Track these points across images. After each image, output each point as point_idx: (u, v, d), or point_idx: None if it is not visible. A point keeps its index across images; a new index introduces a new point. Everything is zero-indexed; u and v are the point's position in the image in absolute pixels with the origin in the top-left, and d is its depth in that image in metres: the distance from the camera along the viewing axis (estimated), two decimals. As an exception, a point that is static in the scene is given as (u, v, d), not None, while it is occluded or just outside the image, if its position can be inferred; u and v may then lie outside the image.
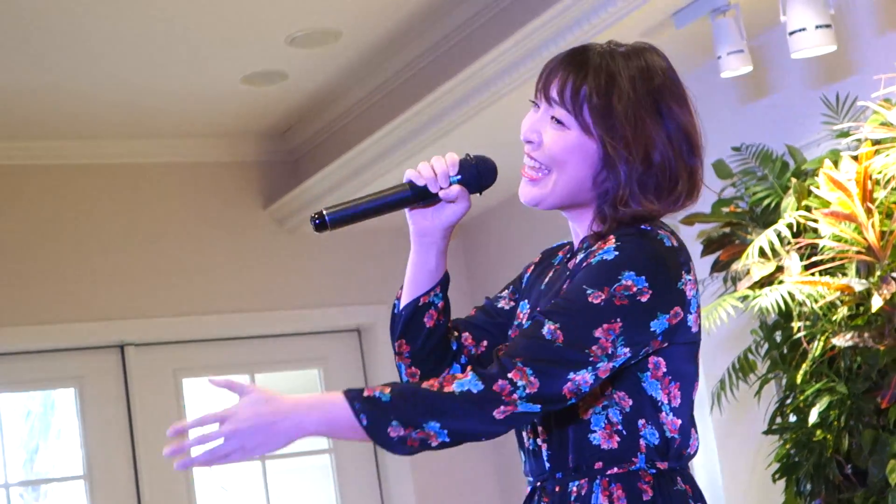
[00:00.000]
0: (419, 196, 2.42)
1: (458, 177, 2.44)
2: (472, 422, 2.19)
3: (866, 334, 4.20)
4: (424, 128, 6.01)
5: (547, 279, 2.49)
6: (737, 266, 4.64)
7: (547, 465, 2.36)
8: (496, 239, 7.21)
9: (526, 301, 2.52)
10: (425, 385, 2.21)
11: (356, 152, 6.44)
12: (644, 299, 2.24)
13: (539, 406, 2.20)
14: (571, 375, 2.20)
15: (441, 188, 2.43)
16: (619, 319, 2.23)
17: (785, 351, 4.65)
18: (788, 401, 4.61)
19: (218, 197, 7.11)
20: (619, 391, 2.31)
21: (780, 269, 4.50)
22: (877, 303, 4.07)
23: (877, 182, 4.21)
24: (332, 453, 7.22)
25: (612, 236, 2.31)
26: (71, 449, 6.75)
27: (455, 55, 5.86)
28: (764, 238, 4.45)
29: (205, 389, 7.15)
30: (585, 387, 2.22)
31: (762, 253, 4.50)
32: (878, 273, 4.13)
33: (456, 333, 2.57)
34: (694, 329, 2.34)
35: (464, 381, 2.19)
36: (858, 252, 4.18)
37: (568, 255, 2.49)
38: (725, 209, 4.90)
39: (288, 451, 7.19)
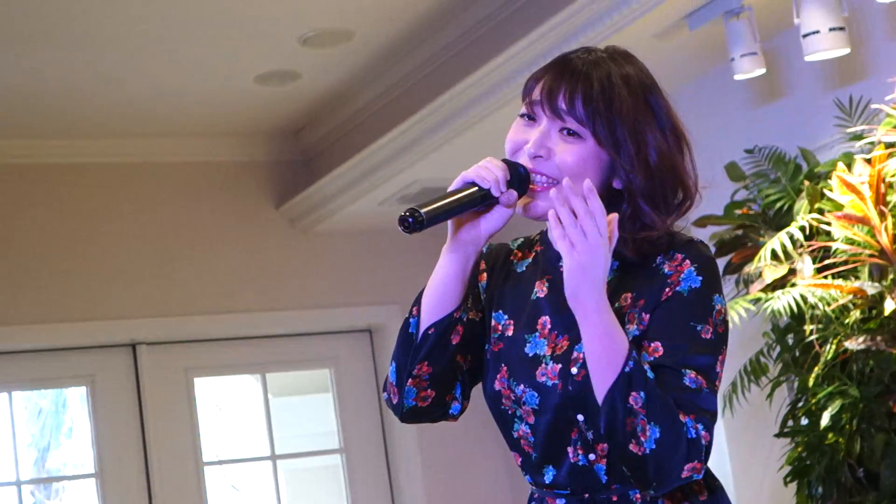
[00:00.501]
0: (486, 199, 2.35)
1: (510, 184, 2.37)
2: (673, 463, 2.22)
3: (879, 338, 4.19)
4: (437, 128, 6.00)
5: (539, 292, 2.44)
6: (749, 268, 4.64)
7: (604, 478, 2.35)
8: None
9: (501, 312, 2.48)
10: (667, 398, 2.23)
11: (369, 152, 6.44)
12: (727, 317, 2.33)
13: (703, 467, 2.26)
14: (712, 410, 2.27)
15: (501, 192, 2.36)
16: (724, 347, 2.31)
17: (797, 354, 4.64)
18: (800, 404, 4.60)
19: (230, 196, 7.12)
20: None
21: (792, 271, 4.50)
22: (889, 306, 4.06)
23: (890, 185, 4.20)
24: (342, 453, 7.22)
25: (679, 255, 2.33)
26: (82, 447, 6.76)
27: (468, 55, 5.85)
28: (776, 241, 4.44)
29: (215, 389, 7.15)
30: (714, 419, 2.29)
31: (774, 255, 4.49)
32: (890, 276, 4.12)
33: None
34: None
35: (688, 422, 2.22)
36: (871, 255, 4.17)
37: (560, 264, 2.39)
38: (738, 211, 4.89)
39: (298, 451, 7.20)
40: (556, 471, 2.40)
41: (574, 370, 2.32)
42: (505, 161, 2.41)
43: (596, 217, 2.20)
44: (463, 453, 7.19)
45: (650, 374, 2.22)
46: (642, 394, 2.20)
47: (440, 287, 2.43)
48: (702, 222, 4.98)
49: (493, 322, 2.48)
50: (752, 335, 5.14)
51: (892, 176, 4.17)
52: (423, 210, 2.30)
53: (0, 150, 6.61)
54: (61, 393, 6.93)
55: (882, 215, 4.14)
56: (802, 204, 4.58)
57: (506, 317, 2.47)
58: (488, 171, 2.35)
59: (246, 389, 7.25)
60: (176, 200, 6.99)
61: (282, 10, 5.55)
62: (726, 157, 5.23)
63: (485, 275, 2.53)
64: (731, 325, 4.51)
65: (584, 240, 2.20)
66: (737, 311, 4.55)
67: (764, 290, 4.53)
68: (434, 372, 2.44)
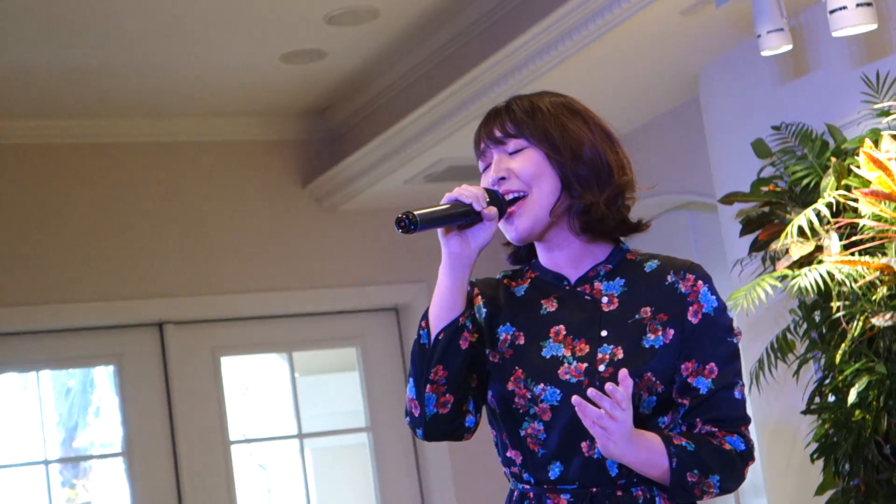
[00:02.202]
0: (470, 214, 2.59)
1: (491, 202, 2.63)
2: (738, 478, 2.61)
3: (906, 314, 4.18)
4: (463, 106, 6.00)
5: (550, 307, 2.68)
6: (776, 245, 4.62)
7: (614, 471, 2.59)
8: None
9: (510, 325, 2.69)
10: (710, 443, 2.58)
11: (395, 130, 6.44)
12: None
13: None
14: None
15: (482, 207, 2.60)
16: (741, 356, 2.68)
17: (824, 331, 4.63)
18: (827, 381, 4.59)
19: (257, 175, 7.13)
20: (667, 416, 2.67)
21: (819, 248, 4.48)
22: (917, 282, 4.05)
23: (917, 161, 4.19)
24: (369, 432, 7.24)
25: (690, 275, 2.66)
26: (110, 426, 6.79)
27: (493, 33, 5.84)
28: (803, 217, 4.43)
29: (242, 367, 7.17)
30: None
31: (801, 232, 4.48)
32: (918, 253, 4.11)
33: None
34: None
35: (735, 441, 2.62)
36: (898, 231, 4.16)
37: (565, 284, 2.70)
38: (765, 188, 4.88)
39: (325, 430, 7.21)
40: (565, 466, 2.60)
41: (601, 367, 2.58)
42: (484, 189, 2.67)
43: (621, 404, 2.46)
44: (488, 437, 7.19)
45: (689, 447, 2.55)
46: (695, 470, 2.55)
47: (443, 298, 2.64)
48: (728, 199, 4.97)
49: (501, 335, 2.69)
50: (779, 312, 5.13)
51: (920, 152, 4.16)
52: (418, 213, 2.58)
53: (30, 130, 6.64)
54: (89, 372, 6.96)
55: (909, 191, 4.12)
56: (829, 180, 4.56)
57: (514, 329, 2.69)
58: (468, 191, 2.60)
59: (273, 368, 7.27)
60: (202, 180, 7.00)
61: (307, -11, 5.55)
62: (753, 133, 5.21)
63: (480, 298, 2.75)
64: (757, 302, 4.52)
65: (615, 425, 2.46)
66: (763, 288, 4.54)
67: (791, 266, 4.51)
68: (450, 375, 2.61)
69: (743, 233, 4.93)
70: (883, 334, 4.37)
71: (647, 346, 2.59)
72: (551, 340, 2.62)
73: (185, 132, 6.97)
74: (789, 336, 4.82)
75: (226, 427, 6.90)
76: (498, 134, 2.69)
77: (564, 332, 2.62)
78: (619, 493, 2.57)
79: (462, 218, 2.59)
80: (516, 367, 2.63)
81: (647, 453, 2.51)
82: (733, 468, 2.58)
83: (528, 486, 2.63)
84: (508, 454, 2.67)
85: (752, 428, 5.99)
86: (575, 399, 2.47)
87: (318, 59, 6.36)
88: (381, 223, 7.25)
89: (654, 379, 2.58)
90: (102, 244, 6.71)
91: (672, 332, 2.61)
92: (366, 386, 7.24)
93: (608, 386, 2.45)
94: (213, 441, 6.86)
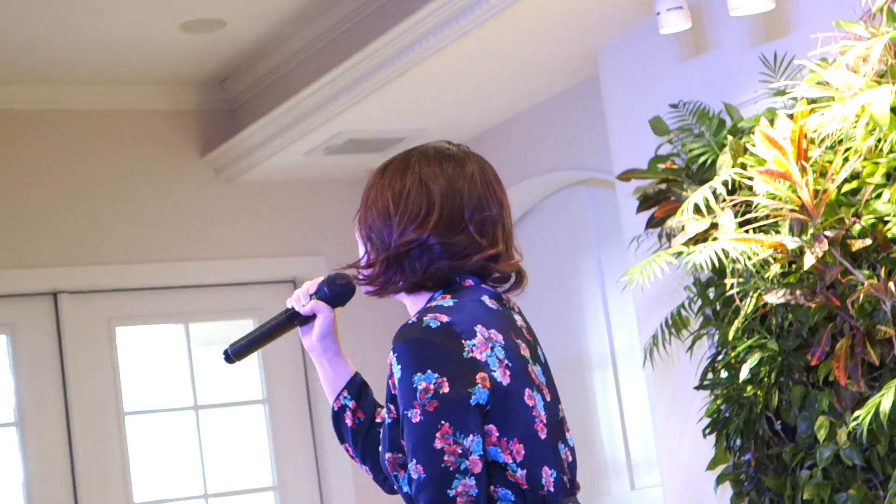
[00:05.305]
0: (292, 318, 2.77)
1: (317, 295, 2.76)
2: None
3: (798, 292, 4.24)
4: (363, 78, 5.98)
5: None
6: (672, 222, 4.66)
7: None
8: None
9: None
10: None
11: (294, 102, 6.40)
12: (446, 389, 2.39)
13: None
14: (451, 493, 2.37)
15: (302, 305, 2.73)
16: (442, 422, 2.38)
17: (718, 307, 4.68)
18: (720, 357, 4.64)
19: (155, 145, 7.06)
20: None
21: (714, 225, 4.53)
22: (809, 261, 4.10)
23: (812, 141, 4.23)
24: (265, 403, 7.22)
25: (391, 352, 2.46)
26: (2, 396, 6.70)
27: (395, 6, 5.83)
28: (699, 195, 4.47)
29: (138, 338, 7.12)
30: (474, 488, 2.38)
31: (697, 209, 4.51)
32: (810, 231, 4.16)
33: None
34: (506, 381, 2.46)
35: None
36: (792, 210, 4.20)
37: None
38: (662, 165, 4.92)
39: (221, 402, 7.18)
40: None
41: None
42: (328, 277, 2.75)
43: None
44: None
45: None
46: None
47: (323, 384, 2.80)
48: (626, 176, 5.00)
49: None
50: (674, 289, 5.18)
51: (814, 132, 4.20)
52: (231, 349, 2.82)
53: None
54: (-19, 341, 6.87)
55: (803, 171, 4.17)
56: (725, 158, 4.60)
57: None
58: (295, 294, 2.75)
59: (169, 339, 7.22)
60: (99, 148, 6.93)
61: (207, -43, 5.50)
62: (651, 111, 5.25)
63: None
64: (652, 278, 4.55)
65: None
66: (659, 264, 4.58)
67: (686, 243, 4.55)
68: (356, 451, 2.75)
69: (640, 209, 4.96)
70: (775, 311, 4.43)
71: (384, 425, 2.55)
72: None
73: (83, 100, 6.89)
74: (684, 312, 4.87)
75: (120, 398, 6.84)
76: None
77: None
78: None
79: (286, 326, 2.78)
80: None
81: None
82: None
83: None
84: None
85: (645, 403, 6.07)
86: None
87: (217, 28, 6.31)
88: (279, 195, 7.22)
89: (393, 458, 2.54)
90: (-4, 212, 6.63)
91: (392, 406, 2.50)
92: (262, 358, 7.21)
93: None
94: (108, 412, 6.80)
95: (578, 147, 6.33)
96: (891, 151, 4.11)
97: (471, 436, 2.39)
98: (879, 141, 4.12)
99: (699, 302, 4.78)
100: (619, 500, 6.68)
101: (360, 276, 2.61)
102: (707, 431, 4.66)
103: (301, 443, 7.24)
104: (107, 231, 6.85)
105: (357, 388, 2.76)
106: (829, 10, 4.61)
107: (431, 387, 2.39)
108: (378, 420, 2.74)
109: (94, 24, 6.06)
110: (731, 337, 4.47)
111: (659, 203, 4.87)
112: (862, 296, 4.10)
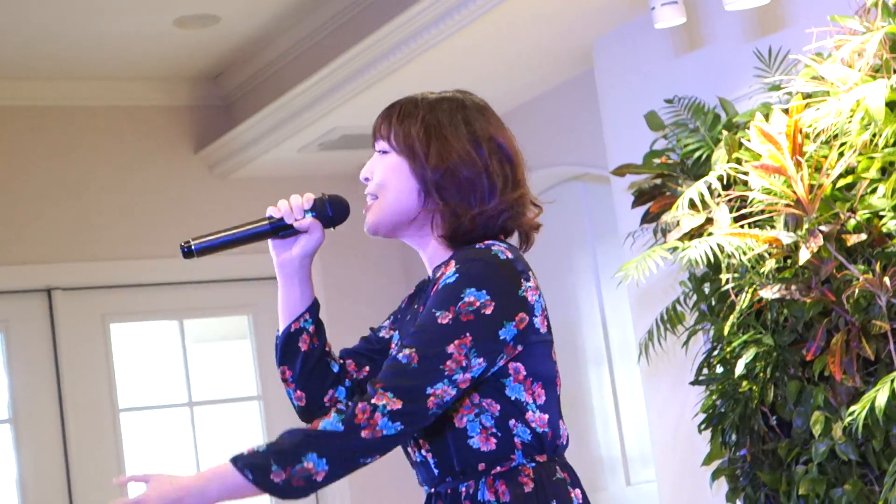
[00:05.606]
0: (277, 228, 2.70)
1: (313, 212, 2.72)
2: (344, 449, 2.40)
3: (793, 287, 4.23)
4: (358, 74, 5.97)
5: (408, 314, 2.75)
6: (667, 217, 4.65)
7: (436, 471, 2.58)
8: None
9: (397, 333, 2.78)
10: (296, 428, 2.43)
11: (289, 98, 6.40)
12: (488, 311, 2.48)
13: (402, 424, 2.41)
14: (430, 390, 2.43)
15: (296, 220, 2.71)
16: (467, 334, 2.46)
17: (713, 303, 4.68)
18: (715, 352, 4.64)
19: (149, 141, 7.05)
20: (487, 398, 2.54)
21: (709, 220, 4.52)
22: (804, 256, 4.09)
23: (807, 136, 4.23)
24: (260, 400, 7.21)
25: (452, 261, 2.55)
26: (-4, 393, 6.70)
27: (389, 2, 5.82)
28: (694, 190, 4.46)
29: (132, 335, 7.11)
30: (448, 397, 2.45)
31: (692, 205, 4.51)
32: (805, 226, 4.15)
33: (340, 359, 2.81)
34: (542, 329, 2.58)
35: (327, 422, 2.41)
36: (787, 205, 4.20)
37: (429, 286, 2.70)
38: (657, 161, 4.91)
39: (216, 398, 7.17)
40: (416, 470, 2.67)
41: None
42: (322, 195, 2.75)
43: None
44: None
45: (261, 448, 2.41)
46: (274, 466, 2.39)
47: (280, 302, 2.79)
48: (621, 171, 5.00)
49: (394, 341, 2.79)
50: (670, 284, 5.18)
51: (809, 126, 4.20)
52: (194, 240, 2.71)
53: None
54: (-25, 338, 6.85)
55: (798, 165, 4.16)
56: (720, 153, 4.60)
57: (398, 337, 2.77)
58: (285, 203, 2.71)
59: (163, 336, 7.21)
60: (93, 144, 6.92)
61: (201, -47, 5.49)
62: (646, 106, 5.24)
63: (407, 300, 2.83)
64: (647, 273, 4.55)
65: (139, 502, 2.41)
66: (654, 259, 4.57)
67: (681, 238, 4.55)
68: (295, 374, 2.79)
69: (635, 204, 4.96)
70: (770, 306, 4.42)
71: None
72: (394, 349, 2.65)
73: (77, 96, 6.88)
74: (679, 308, 4.87)
75: (115, 395, 6.83)
76: (375, 132, 2.71)
77: (397, 340, 2.74)
78: (449, 490, 2.57)
79: (265, 235, 2.70)
80: None
81: (216, 486, 2.41)
82: (326, 442, 2.39)
83: None
84: None
85: (640, 398, 6.07)
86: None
87: (211, 24, 6.30)
88: (273, 191, 7.18)
89: None
90: (-10, 208, 6.62)
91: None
92: (257, 354, 7.20)
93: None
94: (102, 409, 6.79)
95: (573, 142, 6.33)
96: (886, 146, 4.11)
97: (481, 359, 2.47)
98: (874, 136, 4.12)
99: (694, 297, 4.78)
100: (615, 496, 6.68)
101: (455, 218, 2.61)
102: (702, 427, 4.66)
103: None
104: (101, 227, 6.84)
105: (317, 313, 2.78)
106: (824, 5, 4.61)
107: (477, 303, 2.48)
108: (327, 349, 2.79)
109: (88, 19, 6.05)
110: (726, 332, 4.47)
111: (654, 198, 4.87)
112: (857, 291, 4.10)
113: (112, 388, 6.83)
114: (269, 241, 2.75)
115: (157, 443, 7.07)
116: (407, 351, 2.45)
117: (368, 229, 2.70)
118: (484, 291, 2.48)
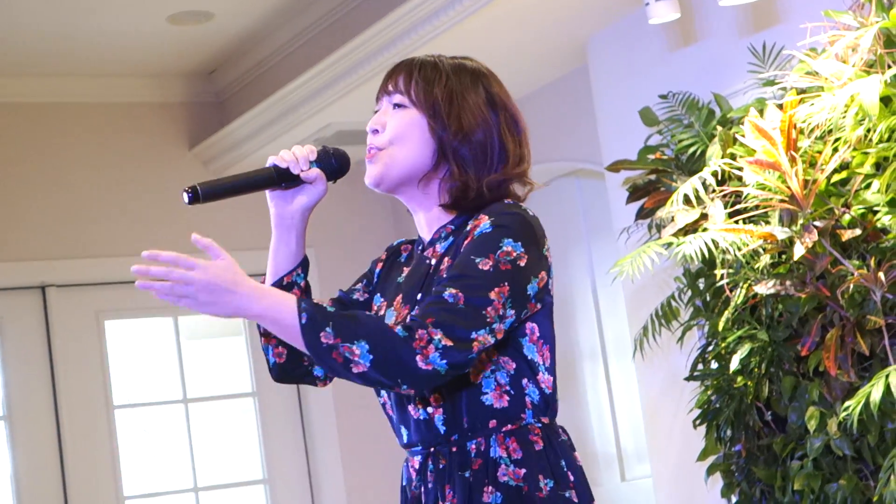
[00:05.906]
0: (282, 178, 2.63)
1: (318, 163, 2.66)
2: (395, 360, 2.34)
3: (788, 282, 4.23)
4: (352, 70, 5.97)
5: (404, 274, 2.69)
6: (661, 213, 4.65)
7: (442, 429, 2.54)
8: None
9: (380, 295, 2.73)
10: (372, 315, 2.41)
11: (283, 94, 6.39)
12: (523, 263, 2.48)
13: (448, 365, 2.36)
14: (475, 335, 2.39)
15: (301, 170, 2.64)
16: (506, 283, 2.45)
17: (708, 298, 4.68)
18: (710, 348, 4.64)
19: (143, 137, 7.05)
20: (504, 356, 2.53)
21: (704, 216, 4.52)
22: (799, 251, 4.09)
23: (801, 131, 4.23)
24: (254, 396, 7.20)
25: (483, 216, 2.53)
26: (-9, 390, 6.69)
27: (383, -3, 5.82)
28: (689, 185, 4.46)
29: (127, 331, 7.10)
30: (487, 345, 2.41)
31: (687, 200, 4.51)
32: (800, 221, 4.16)
33: None
34: (552, 293, 2.59)
35: (396, 330, 2.36)
36: (782, 200, 4.20)
37: (420, 249, 2.68)
38: (651, 156, 4.91)
39: (210, 395, 7.17)
40: (408, 430, 2.61)
41: None
42: (324, 147, 2.69)
43: (178, 263, 2.43)
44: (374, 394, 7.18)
45: (330, 308, 2.40)
46: (329, 330, 2.35)
47: (270, 257, 2.74)
48: (615, 167, 4.99)
49: (376, 304, 2.73)
50: (664, 279, 5.18)
51: (804, 122, 4.20)
52: (201, 185, 2.59)
53: None
54: (-31, 335, 6.85)
55: (793, 161, 4.17)
56: (715, 149, 4.60)
57: (382, 299, 2.72)
58: (289, 153, 2.64)
59: (158, 332, 7.20)
60: (88, 141, 6.91)
61: (195, -51, 5.49)
62: (640, 102, 5.24)
63: (381, 264, 2.80)
64: (642, 269, 4.55)
65: (187, 288, 2.41)
66: (649, 255, 4.57)
67: (676, 234, 4.55)
68: None
69: (629, 200, 4.96)
70: (765, 302, 4.42)
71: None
72: (392, 309, 2.63)
73: (71, 93, 6.87)
74: (674, 303, 4.87)
75: (109, 392, 6.83)
76: (390, 86, 2.67)
77: (401, 301, 2.63)
78: (455, 449, 2.53)
79: (270, 184, 2.64)
80: None
81: (268, 303, 2.39)
82: (386, 341, 2.35)
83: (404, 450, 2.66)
84: None
85: (635, 393, 6.06)
86: (135, 269, 2.47)
87: (205, 20, 6.29)
88: (268, 187, 7.20)
89: None
90: (-17, 205, 6.61)
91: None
92: (251, 351, 7.20)
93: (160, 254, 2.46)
94: (97, 406, 6.79)
95: (567, 138, 6.32)
96: (880, 141, 4.11)
97: (513, 311, 2.45)
98: (869, 131, 4.12)
99: (689, 293, 4.78)
100: (610, 492, 6.68)
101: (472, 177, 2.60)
102: (697, 422, 4.66)
103: (291, 435, 7.23)
104: (95, 224, 6.84)
105: (307, 270, 2.76)
106: (819, 0, 4.61)
107: (514, 253, 2.47)
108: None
109: (81, 16, 6.04)
110: (721, 328, 4.47)
111: (649, 194, 4.87)
112: (852, 286, 4.10)
113: (106, 385, 6.82)
114: (268, 193, 2.69)
115: (152, 439, 7.07)
116: (452, 290, 2.41)
117: (371, 180, 2.64)
118: (520, 243, 2.48)
